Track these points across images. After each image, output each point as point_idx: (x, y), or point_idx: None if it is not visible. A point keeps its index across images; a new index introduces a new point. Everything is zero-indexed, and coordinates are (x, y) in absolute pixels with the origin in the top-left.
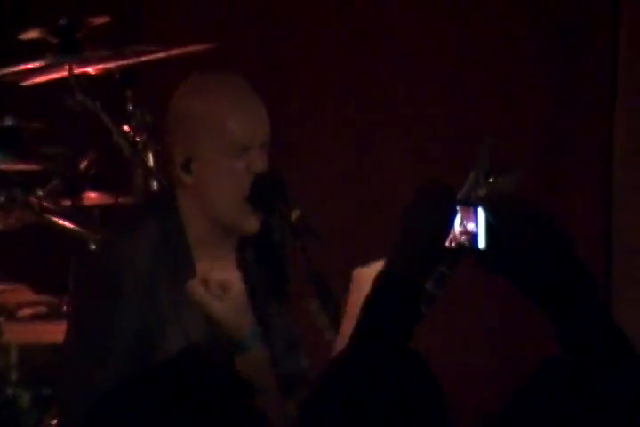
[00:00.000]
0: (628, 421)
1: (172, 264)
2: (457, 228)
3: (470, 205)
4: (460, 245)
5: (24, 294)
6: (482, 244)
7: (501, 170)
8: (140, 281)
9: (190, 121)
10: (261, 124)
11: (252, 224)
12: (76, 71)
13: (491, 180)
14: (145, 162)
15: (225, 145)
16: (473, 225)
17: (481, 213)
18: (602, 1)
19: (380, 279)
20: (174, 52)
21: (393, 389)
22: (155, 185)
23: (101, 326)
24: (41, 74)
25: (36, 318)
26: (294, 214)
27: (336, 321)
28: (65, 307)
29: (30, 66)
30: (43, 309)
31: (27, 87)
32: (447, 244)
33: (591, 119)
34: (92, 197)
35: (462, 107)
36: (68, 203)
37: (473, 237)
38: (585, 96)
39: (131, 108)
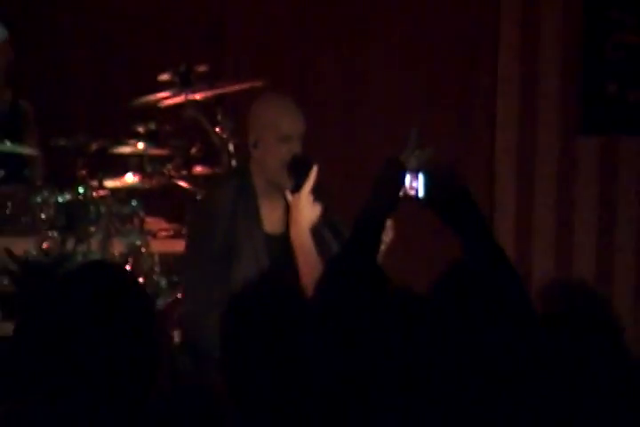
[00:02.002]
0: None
1: (246, 206)
2: (408, 183)
3: (414, 172)
4: (408, 195)
5: (161, 223)
6: (421, 194)
7: (421, 147)
8: (226, 215)
9: (258, 121)
10: (299, 123)
11: (287, 183)
12: (189, 98)
13: (416, 153)
14: (228, 149)
15: (276, 135)
16: (416, 184)
17: (421, 176)
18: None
19: (359, 216)
20: (243, 85)
21: (362, 285)
22: (233, 162)
23: (202, 238)
24: (169, 99)
25: (168, 237)
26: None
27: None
28: (184, 231)
29: (163, 95)
30: (172, 232)
31: (163, 107)
32: (400, 194)
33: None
34: (198, 169)
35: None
36: (185, 172)
37: (416, 190)
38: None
39: (220, 118)
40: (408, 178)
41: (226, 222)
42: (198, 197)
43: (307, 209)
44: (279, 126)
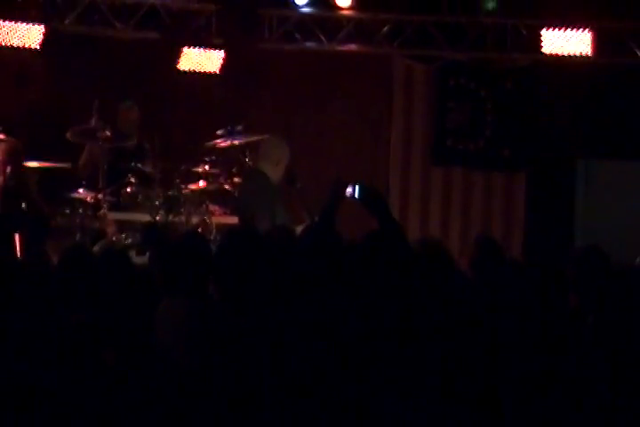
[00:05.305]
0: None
1: (270, 191)
2: (348, 190)
3: (353, 184)
4: (350, 196)
5: (217, 208)
6: (357, 196)
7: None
8: (269, 194)
9: (264, 150)
10: (288, 153)
11: (281, 180)
12: (232, 142)
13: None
14: (251, 167)
15: (279, 160)
16: (352, 191)
17: (356, 187)
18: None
19: (324, 206)
20: (255, 138)
21: (323, 244)
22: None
23: (259, 203)
24: (222, 143)
25: (220, 215)
26: (298, 184)
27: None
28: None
29: (219, 141)
30: (222, 213)
31: (218, 147)
32: (346, 195)
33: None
34: (236, 180)
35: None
36: (229, 181)
37: (354, 194)
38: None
39: (247, 153)
40: (349, 187)
41: (272, 198)
42: (236, 193)
43: None
44: (281, 157)
